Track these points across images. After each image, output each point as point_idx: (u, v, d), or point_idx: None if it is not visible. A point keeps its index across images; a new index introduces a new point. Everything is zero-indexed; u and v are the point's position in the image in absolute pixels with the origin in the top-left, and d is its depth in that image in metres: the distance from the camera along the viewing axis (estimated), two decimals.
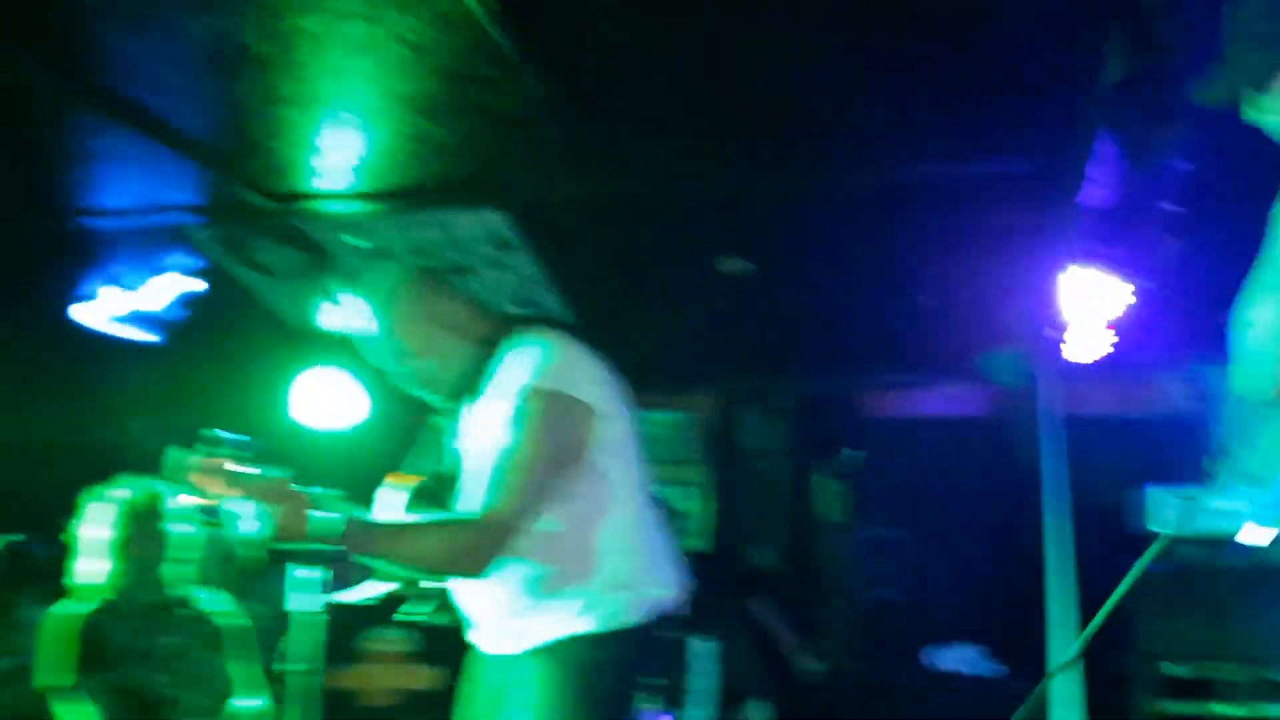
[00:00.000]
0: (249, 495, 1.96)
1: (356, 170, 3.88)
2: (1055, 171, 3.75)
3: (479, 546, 2.10)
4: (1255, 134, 3.63)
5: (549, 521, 2.17)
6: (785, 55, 3.20)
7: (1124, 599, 4.66)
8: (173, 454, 2.00)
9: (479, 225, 4.35)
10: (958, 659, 4.85)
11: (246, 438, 1.99)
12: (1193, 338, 5.02)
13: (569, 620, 2.20)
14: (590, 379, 2.26)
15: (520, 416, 2.16)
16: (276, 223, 4.24)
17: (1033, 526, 4.56)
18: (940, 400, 5.42)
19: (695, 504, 5.56)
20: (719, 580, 4.10)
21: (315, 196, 4.10)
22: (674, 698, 3.36)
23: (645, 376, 5.59)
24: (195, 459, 2.00)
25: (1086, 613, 4.18)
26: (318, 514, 1.97)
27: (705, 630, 3.47)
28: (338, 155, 3.76)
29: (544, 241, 4.46)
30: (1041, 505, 4.53)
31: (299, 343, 4.92)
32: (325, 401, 4.93)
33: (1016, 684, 4.73)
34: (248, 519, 1.91)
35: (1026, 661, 4.65)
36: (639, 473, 2.35)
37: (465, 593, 2.34)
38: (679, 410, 5.67)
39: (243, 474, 1.98)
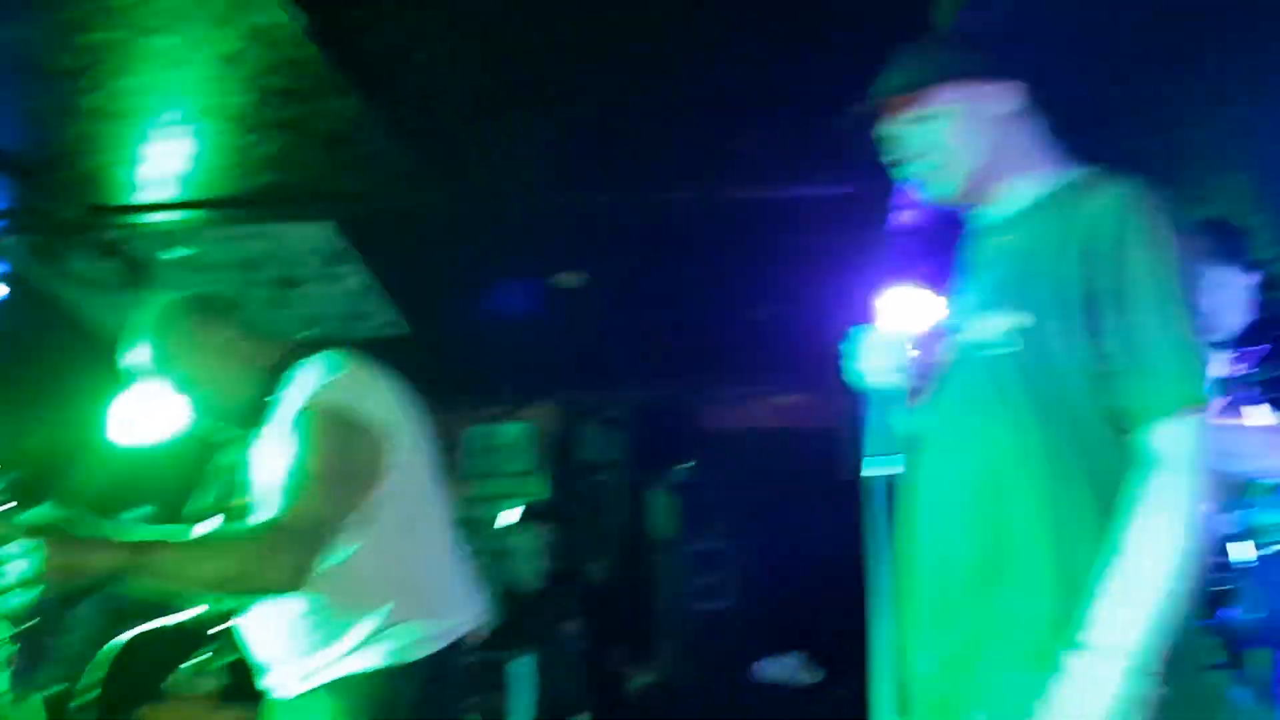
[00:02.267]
0: (18, 538, 1.82)
1: (176, 182, 3.79)
2: (871, 195, 3.90)
3: (279, 552, 1.95)
4: None
5: (336, 549, 2.08)
6: (611, 77, 3.26)
7: None
8: None
9: (309, 237, 4.28)
10: (785, 670, 4.98)
11: (12, 475, 1.90)
12: None
13: (360, 655, 2.12)
14: (376, 398, 2.18)
15: (300, 435, 2.08)
16: (93, 236, 4.10)
17: (859, 536, 4.72)
18: (772, 411, 5.56)
19: (533, 517, 5.58)
20: (552, 594, 4.11)
21: (134, 209, 3.99)
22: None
23: (483, 388, 5.63)
24: None
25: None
26: (95, 544, 1.88)
27: (525, 647, 3.46)
28: (157, 167, 3.67)
29: (375, 254, 4.42)
30: (868, 516, 4.69)
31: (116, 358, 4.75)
32: (143, 418, 4.76)
33: (840, 690, 4.90)
34: (18, 563, 1.80)
35: (852, 670, 4.80)
36: (436, 495, 2.29)
37: (252, 630, 2.26)
38: (518, 422, 5.68)
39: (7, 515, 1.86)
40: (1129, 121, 3.44)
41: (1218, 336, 2.74)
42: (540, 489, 5.56)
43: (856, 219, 4.06)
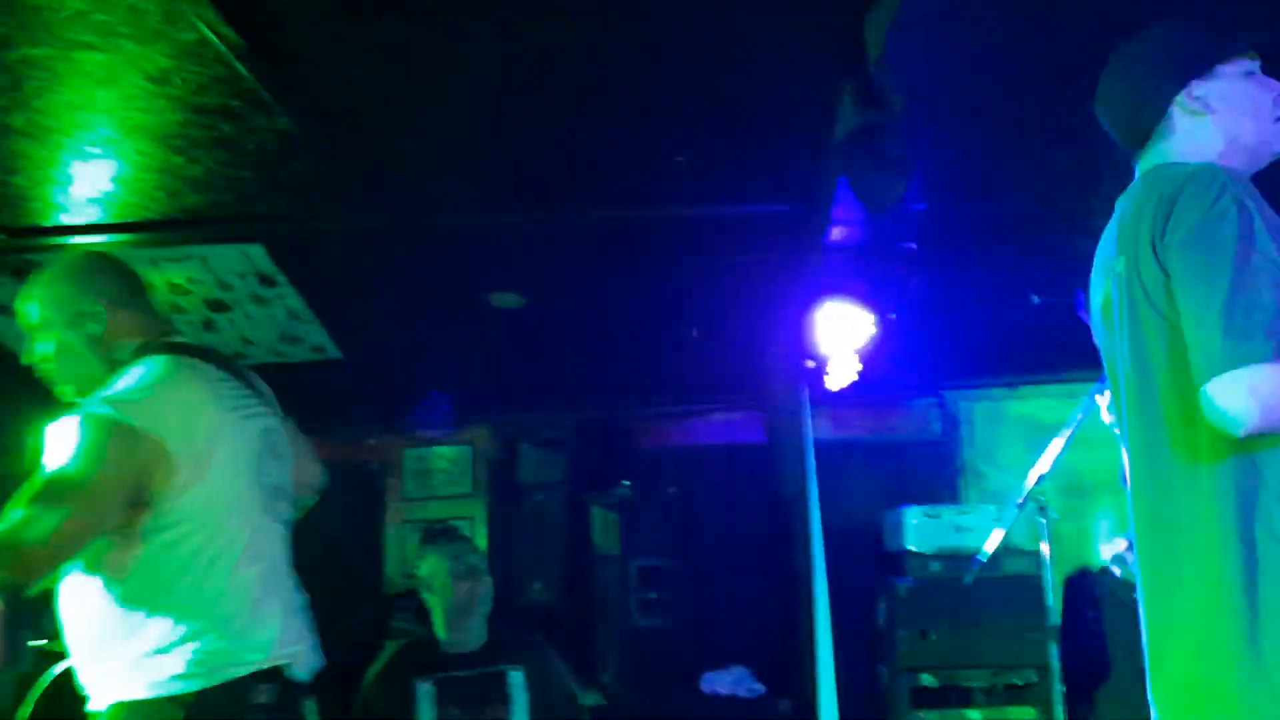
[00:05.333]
0: None
1: (103, 204, 3.71)
2: (805, 213, 3.94)
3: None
4: (983, 178, 3.91)
5: (105, 567, 2.01)
6: (547, 96, 3.25)
7: (879, 615, 4.93)
8: None
9: (240, 259, 4.21)
10: (730, 682, 4.97)
11: None
12: (941, 366, 5.37)
13: (123, 682, 2.00)
14: (180, 409, 2.07)
15: (74, 437, 1.98)
16: (14, 259, 3.99)
17: (797, 548, 4.75)
18: (710, 428, 5.58)
19: (476, 539, 5.52)
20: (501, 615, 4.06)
21: (60, 230, 3.89)
22: None
23: (419, 410, 5.53)
24: None
25: (842, 628, 4.36)
26: None
27: (517, 660, 3.41)
28: (81, 188, 3.59)
29: (308, 276, 4.36)
30: (805, 528, 4.72)
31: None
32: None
33: (783, 702, 4.92)
34: None
35: (794, 680, 4.82)
36: (244, 517, 2.14)
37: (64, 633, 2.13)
38: (457, 445, 5.62)
39: None
40: (1049, 136, 3.53)
41: None
42: (480, 511, 5.51)
43: (792, 236, 4.09)
